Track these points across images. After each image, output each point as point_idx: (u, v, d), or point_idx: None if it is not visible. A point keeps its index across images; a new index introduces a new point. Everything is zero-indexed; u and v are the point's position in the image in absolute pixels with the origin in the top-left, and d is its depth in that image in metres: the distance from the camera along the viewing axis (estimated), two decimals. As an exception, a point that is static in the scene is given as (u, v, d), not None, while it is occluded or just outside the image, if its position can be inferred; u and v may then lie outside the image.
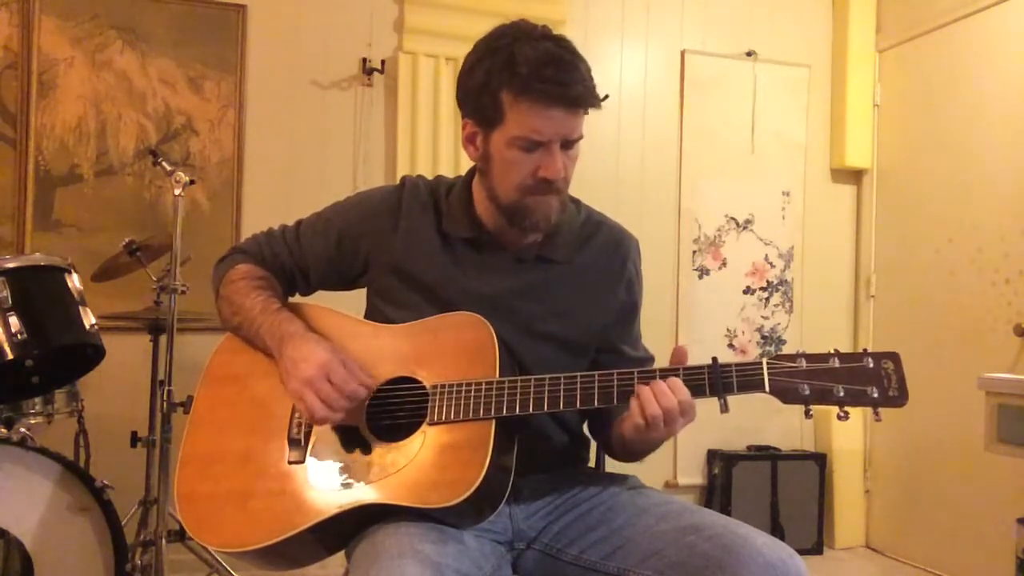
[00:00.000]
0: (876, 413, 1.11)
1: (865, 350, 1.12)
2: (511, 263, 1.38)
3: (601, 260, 1.42)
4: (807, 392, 1.11)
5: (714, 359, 1.15)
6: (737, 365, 1.14)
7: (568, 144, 1.27)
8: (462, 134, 1.35)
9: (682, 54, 3.59)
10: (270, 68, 3.10)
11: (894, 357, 1.11)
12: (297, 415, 1.29)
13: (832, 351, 1.12)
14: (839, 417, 1.12)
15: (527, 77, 1.22)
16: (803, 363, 1.12)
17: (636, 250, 1.47)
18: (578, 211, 1.45)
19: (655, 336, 1.52)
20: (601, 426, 1.43)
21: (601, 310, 1.40)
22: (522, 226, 1.32)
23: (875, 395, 1.09)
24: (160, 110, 3.00)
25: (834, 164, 3.75)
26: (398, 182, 1.46)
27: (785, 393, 1.12)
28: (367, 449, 1.25)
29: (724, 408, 1.14)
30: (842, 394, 1.10)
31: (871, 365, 1.11)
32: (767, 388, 1.12)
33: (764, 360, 1.13)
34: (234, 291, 1.41)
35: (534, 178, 1.27)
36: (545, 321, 1.35)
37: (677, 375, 1.17)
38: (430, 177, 1.48)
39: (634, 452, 1.34)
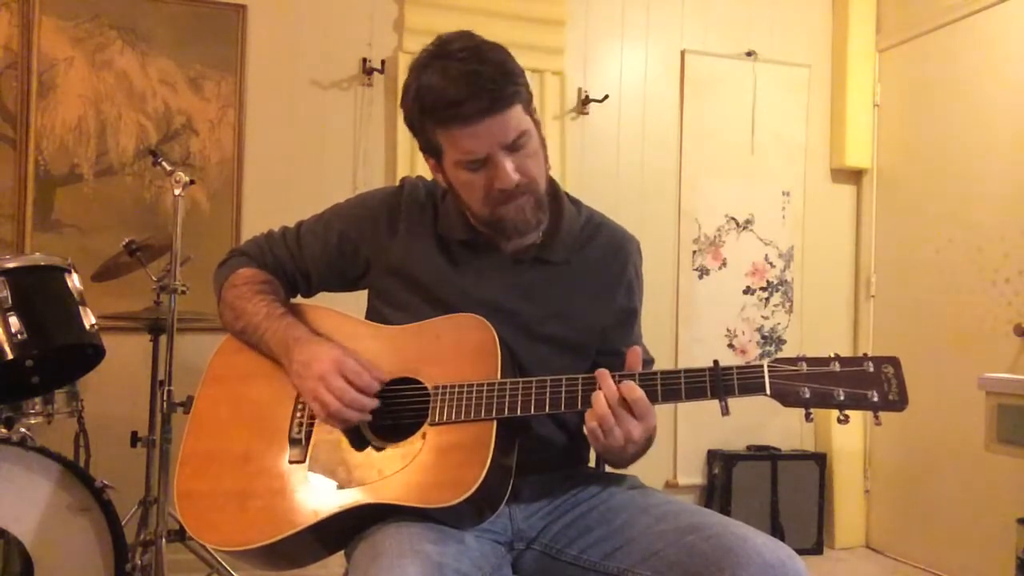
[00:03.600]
0: (876, 417, 1.11)
1: (865, 354, 1.12)
2: (509, 264, 1.38)
3: (601, 262, 1.42)
4: (807, 395, 1.11)
5: (715, 362, 1.15)
6: (738, 368, 1.14)
7: (513, 146, 1.25)
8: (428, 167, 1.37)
9: (682, 54, 3.58)
10: (270, 68, 3.10)
11: (894, 361, 1.11)
12: (298, 415, 1.29)
13: (832, 355, 1.13)
14: (839, 421, 1.12)
15: (435, 107, 1.22)
16: (804, 366, 1.12)
17: (637, 252, 1.47)
18: (579, 212, 1.44)
19: (655, 336, 1.52)
20: None
21: (600, 312, 1.40)
22: (506, 234, 1.32)
23: (875, 399, 1.10)
24: (160, 110, 3.00)
25: (834, 164, 3.75)
26: (398, 184, 1.46)
27: (786, 396, 1.12)
28: (368, 449, 1.25)
29: (725, 411, 1.14)
30: (842, 398, 1.10)
31: (871, 369, 1.11)
32: (768, 391, 1.12)
33: (765, 363, 1.14)
34: (237, 296, 1.41)
35: (493, 191, 1.27)
36: (544, 322, 1.35)
37: (679, 377, 1.16)
38: (429, 178, 1.47)
39: (610, 460, 1.33)
